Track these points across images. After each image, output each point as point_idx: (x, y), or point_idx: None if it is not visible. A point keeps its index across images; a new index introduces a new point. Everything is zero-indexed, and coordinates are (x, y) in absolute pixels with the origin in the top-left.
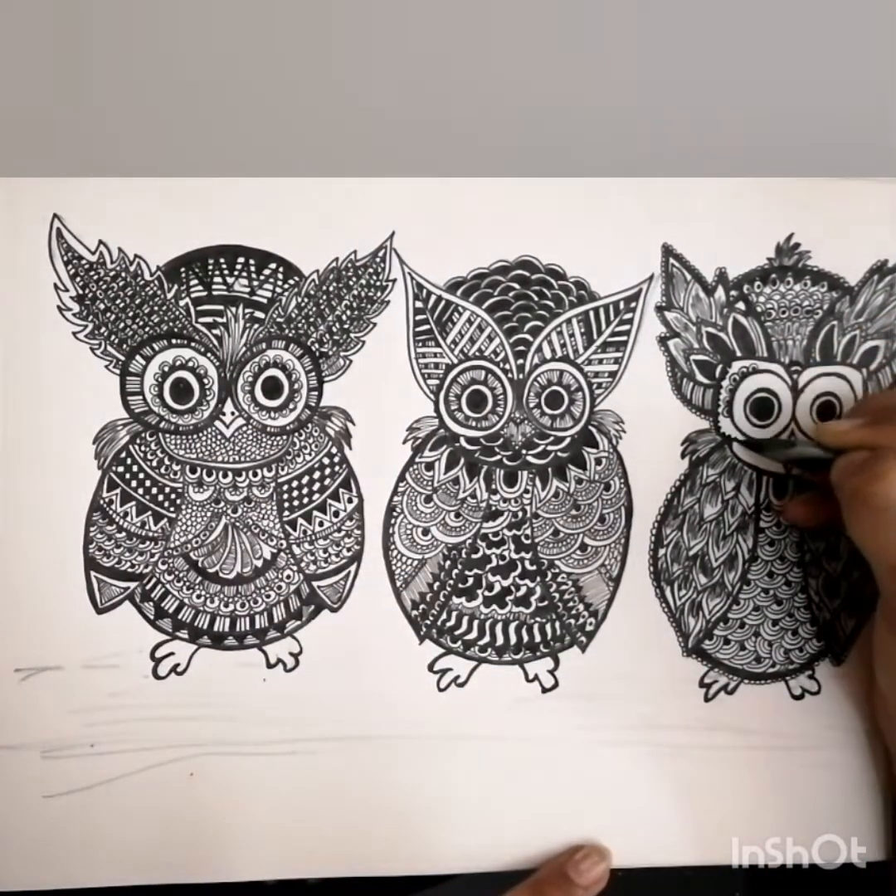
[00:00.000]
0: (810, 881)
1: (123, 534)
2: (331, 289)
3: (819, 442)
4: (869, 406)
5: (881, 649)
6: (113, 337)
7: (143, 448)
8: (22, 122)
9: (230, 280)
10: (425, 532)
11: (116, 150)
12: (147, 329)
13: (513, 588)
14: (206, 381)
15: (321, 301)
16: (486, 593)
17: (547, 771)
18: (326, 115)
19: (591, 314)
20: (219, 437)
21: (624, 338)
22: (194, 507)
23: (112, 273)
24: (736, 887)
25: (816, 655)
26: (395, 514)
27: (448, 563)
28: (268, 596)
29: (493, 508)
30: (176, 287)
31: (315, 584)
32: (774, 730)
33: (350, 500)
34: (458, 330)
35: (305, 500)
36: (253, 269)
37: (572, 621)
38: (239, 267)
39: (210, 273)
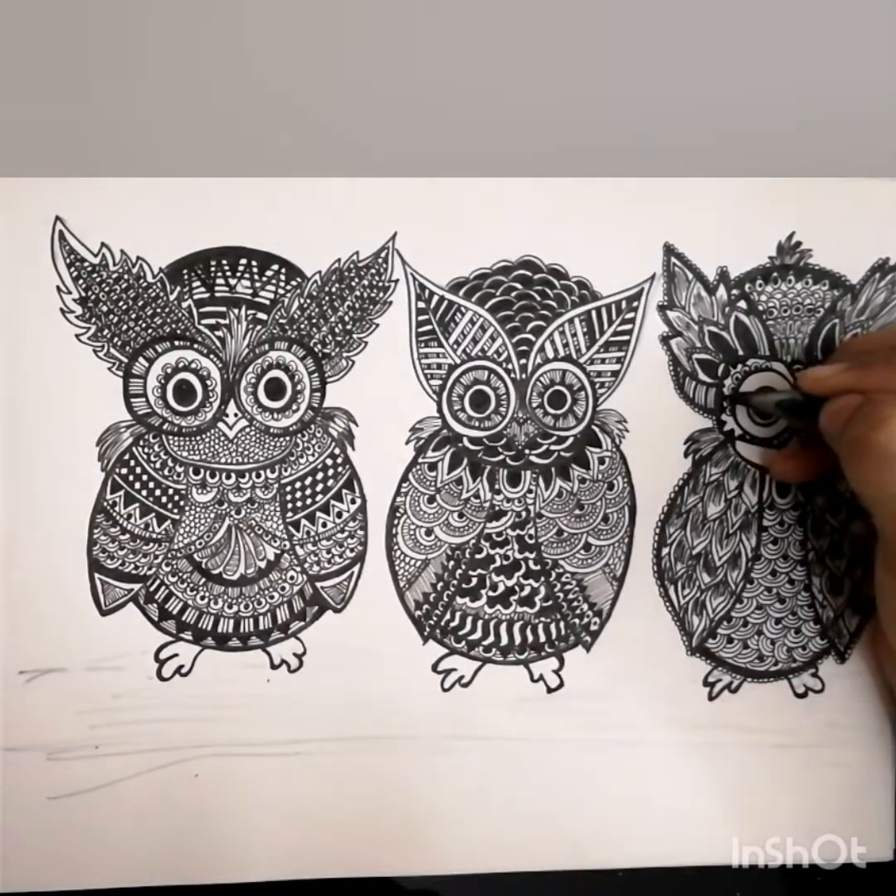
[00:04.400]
0: (810, 881)
1: (127, 536)
2: (333, 290)
3: (801, 389)
4: (848, 350)
5: (883, 595)
6: (116, 339)
7: (146, 450)
8: (24, 122)
9: (232, 281)
10: (428, 532)
11: (119, 150)
12: (150, 331)
13: (517, 588)
14: (208, 382)
15: (324, 302)
16: (490, 593)
17: (551, 771)
18: (328, 115)
19: (594, 314)
20: (222, 438)
21: (626, 337)
22: (198, 509)
23: (115, 275)
24: (736, 887)
25: (820, 653)
26: (398, 514)
27: (452, 563)
28: (271, 597)
29: (497, 508)
30: (178, 289)
31: (318, 584)
32: (778, 728)
33: (353, 501)
34: (461, 330)
35: (308, 501)
36: (255, 270)
37: (577, 621)
38: (241, 268)
39: (212, 275)
